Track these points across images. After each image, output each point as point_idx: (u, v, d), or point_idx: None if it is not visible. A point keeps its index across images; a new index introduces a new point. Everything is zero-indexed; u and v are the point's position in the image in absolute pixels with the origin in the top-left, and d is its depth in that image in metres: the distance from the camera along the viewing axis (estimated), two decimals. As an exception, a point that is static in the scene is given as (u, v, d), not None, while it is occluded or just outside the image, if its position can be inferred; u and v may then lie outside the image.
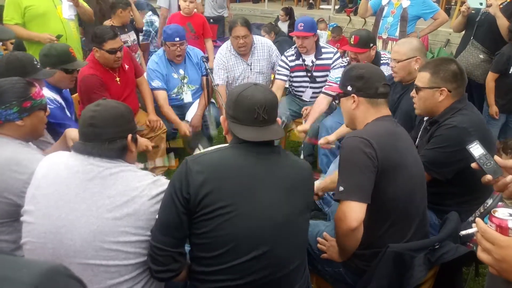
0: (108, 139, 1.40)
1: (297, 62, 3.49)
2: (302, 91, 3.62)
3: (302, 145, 3.47)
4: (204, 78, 3.37)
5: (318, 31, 4.13)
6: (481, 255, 0.94)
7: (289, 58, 3.51)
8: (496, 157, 1.31)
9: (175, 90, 3.56)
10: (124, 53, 3.18)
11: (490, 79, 3.41)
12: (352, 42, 2.99)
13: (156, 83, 3.46)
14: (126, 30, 4.22)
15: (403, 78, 2.54)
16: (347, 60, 3.26)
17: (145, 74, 3.58)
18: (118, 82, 3.12)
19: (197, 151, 2.56)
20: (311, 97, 3.60)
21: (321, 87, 3.52)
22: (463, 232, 1.09)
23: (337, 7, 8.90)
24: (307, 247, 1.59)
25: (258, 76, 3.67)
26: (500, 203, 1.96)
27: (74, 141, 1.62)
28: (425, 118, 2.15)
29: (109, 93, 3.02)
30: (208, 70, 3.23)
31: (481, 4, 3.58)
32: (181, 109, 3.62)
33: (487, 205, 1.93)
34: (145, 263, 1.40)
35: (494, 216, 0.96)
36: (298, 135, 3.23)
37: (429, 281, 1.60)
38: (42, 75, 2.19)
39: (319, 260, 1.78)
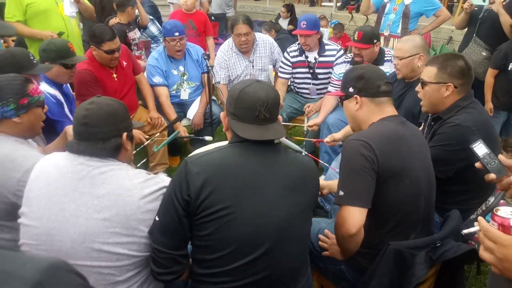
0: (102, 138, 1.36)
1: (300, 58, 3.48)
2: (305, 88, 3.62)
3: (304, 143, 3.47)
4: (205, 75, 3.37)
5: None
6: (483, 254, 0.93)
7: (291, 54, 3.51)
8: (500, 156, 1.30)
9: (175, 86, 3.56)
10: (123, 50, 3.19)
11: (489, 75, 3.41)
12: (356, 38, 2.98)
13: (157, 79, 3.46)
14: (131, 27, 4.25)
15: (406, 75, 2.53)
16: (351, 55, 3.25)
17: (145, 73, 3.58)
18: (115, 79, 3.12)
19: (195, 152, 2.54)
20: (316, 94, 3.59)
21: (323, 83, 3.53)
22: (465, 231, 1.08)
23: (339, 4, 8.88)
24: (309, 245, 1.58)
25: (261, 73, 3.67)
26: (501, 201, 1.96)
27: None
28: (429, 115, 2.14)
29: (106, 89, 3.03)
30: (209, 68, 3.23)
31: (484, 1, 3.56)
32: (182, 106, 3.62)
33: (489, 203, 1.92)
34: (139, 264, 1.37)
35: (497, 215, 0.96)
36: (310, 129, 3.23)
37: (430, 279, 1.60)
38: (38, 70, 2.18)
39: (320, 258, 1.78)
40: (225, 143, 2.69)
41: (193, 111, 3.56)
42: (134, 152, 2.52)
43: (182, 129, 3.39)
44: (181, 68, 3.55)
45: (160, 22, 5.04)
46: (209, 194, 1.27)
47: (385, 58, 3.07)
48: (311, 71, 3.48)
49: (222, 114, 1.47)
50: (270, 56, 3.69)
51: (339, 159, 2.67)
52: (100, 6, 4.54)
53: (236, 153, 1.36)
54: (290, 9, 7.50)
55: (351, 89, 1.71)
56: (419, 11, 3.96)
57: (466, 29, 4.02)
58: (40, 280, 0.69)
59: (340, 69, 3.27)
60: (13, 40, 4.10)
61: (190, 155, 1.47)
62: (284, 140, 2.56)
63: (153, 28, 4.46)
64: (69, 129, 2.02)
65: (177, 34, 3.35)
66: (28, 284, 0.68)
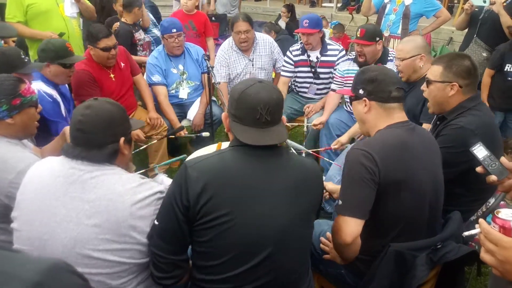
0: (98, 145, 1.32)
1: (301, 57, 3.48)
2: (306, 87, 3.61)
3: (304, 143, 3.47)
4: (205, 75, 3.37)
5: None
6: (484, 256, 0.93)
7: (294, 53, 3.51)
8: (502, 158, 1.30)
9: (174, 85, 3.56)
10: (121, 51, 3.20)
11: (486, 75, 3.42)
12: (358, 35, 2.99)
13: (156, 78, 3.46)
14: (137, 28, 4.27)
15: (409, 76, 2.52)
16: (353, 54, 3.25)
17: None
18: (113, 79, 3.13)
19: (195, 154, 2.54)
20: (316, 94, 3.59)
21: (324, 83, 3.53)
22: (466, 233, 1.08)
23: (339, 5, 8.88)
24: (310, 250, 1.56)
25: (260, 72, 3.67)
26: (502, 203, 1.96)
27: None
28: None
29: (104, 89, 3.03)
30: (210, 68, 3.23)
31: (484, 2, 3.56)
32: (181, 107, 3.62)
33: (489, 204, 1.92)
34: (132, 271, 1.35)
35: (498, 217, 0.96)
36: (315, 127, 3.22)
37: (431, 280, 1.60)
38: (30, 68, 2.17)
39: (321, 261, 1.77)
40: (224, 144, 2.70)
41: (193, 112, 3.56)
42: (134, 152, 2.54)
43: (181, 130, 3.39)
44: (181, 67, 3.55)
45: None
46: (209, 200, 1.25)
47: (389, 58, 3.06)
48: (313, 70, 3.48)
49: (223, 115, 1.43)
50: (270, 55, 3.69)
51: (340, 162, 2.68)
52: (100, 6, 4.54)
53: (237, 157, 1.32)
54: (291, 9, 7.51)
55: (361, 91, 1.66)
56: (419, 12, 3.96)
57: (466, 30, 4.03)
58: (41, 281, 0.68)
59: (344, 66, 3.26)
60: (13, 41, 4.10)
61: (189, 158, 1.45)
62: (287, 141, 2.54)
63: (156, 31, 4.47)
64: (68, 130, 2.00)
65: (174, 30, 3.37)
66: (28, 285, 0.67)
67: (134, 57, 3.67)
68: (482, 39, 3.69)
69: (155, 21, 4.64)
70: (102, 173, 1.32)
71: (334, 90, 3.31)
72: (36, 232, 1.30)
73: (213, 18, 6.50)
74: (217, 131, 3.98)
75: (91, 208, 1.28)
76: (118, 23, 4.10)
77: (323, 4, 9.68)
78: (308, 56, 3.46)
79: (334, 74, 3.36)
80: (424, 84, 2.02)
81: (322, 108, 3.43)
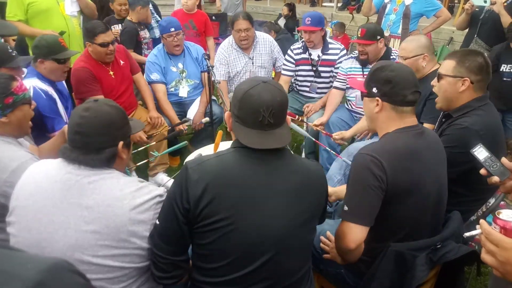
0: (96, 149, 1.29)
1: (303, 55, 3.48)
2: (307, 86, 3.61)
3: (304, 143, 3.47)
4: (205, 74, 3.38)
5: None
6: (485, 257, 0.93)
7: (295, 51, 3.51)
8: (503, 159, 1.30)
9: (173, 83, 3.56)
10: (121, 50, 3.20)
11: None
12: (359, 35, 2.99)
13: (155, 76, 3.47)
14: (142, 27, 4.30)
15: None
16: (356, 53, 3.25)
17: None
18: (112, 76, 3.12)
19: (195, 153, 2.54)
20: (317, 92, 3.59)
21: (325, 82, 3.53)
22: (467, 234, 1.08)
23: (339, 4, 8.89)
24: (311, 253, 1.53)
25: (260, 70, 3.68)
26: (502, 203, 1.96)
27: None
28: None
29: (103, 87, 3.03)
30: (210, 67, 3.23)
31: (485, 1, 3.56)
32: (181, 106, 3.62)
33: (490, 204, 1.92)
34: (133, 275, 1.34)
35: (499, 218, 0.96)
36: (316, 128, 3.22)
37: (431, 280, 1.60)
38: (18, 62, 2.16)
39: (321, 260, 1.77)
40: (224, 143, 2.70)
41: (193, 111, 3.56)
42: (134, 151, 2.53)
43: (180, 127, 3.39)
44: (180, 66, 3.55)
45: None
46: (209, 202, 1.23)
47: (391, 57, 3.07)
48: (314, 68, 3.48)
49: (226, 114, 1.41)
50: (270, 54, 3.70)
51: (340, 160, 2.68)
52: (100, 5, 4.54)
53: (238, 159, 1.30)
54: (291, 8, 7.53)
55: (374, 89, 1.59)
56: (420, 11, 3.97)
57: (467, 30, 4.03)
58: (42, 280, 0.67)
59: (347, 64, 3.26)
60: (13, 40, 4.09)
61: (189, 158, 1.44)
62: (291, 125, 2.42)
63: (157, 31, 4.48)
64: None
65: (172, 29, 3.37)
66: (28, 285, 0.66)
67: (134, 56, 3.68)
68: (482, 39, 3.69)
69: (158, 19, 4.64)
70: (100, 178, 1.30)
71: (337, 88, 3.30)
72: (34, 240, 1.28)
73: (213, 18, 6.49)
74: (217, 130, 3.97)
75: (90, 214, 1.26)
76: (117, 28, 4.13)
77: (324, 4, 9.68)
78: (310, 54, 3.46)
79: (337, 72, 3.36)
80: (435, 79, 2.01)
81: (322, 107, 3.44)
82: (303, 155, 3.54)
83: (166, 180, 3.24)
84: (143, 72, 3.54)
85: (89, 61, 3.00)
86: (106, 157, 1.32)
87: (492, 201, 1.92)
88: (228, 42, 3.63)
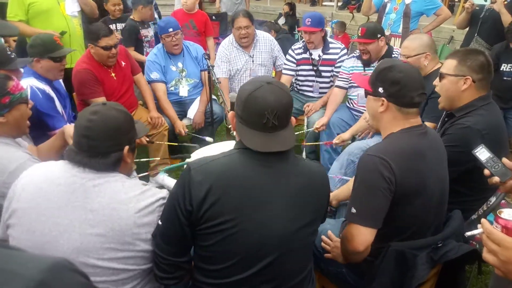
0: (102, 153, 1.29)
1: (304, 55, 3.49)
2: (308, 85, 3.61)
3: (304, 142, 3.47)
4: (205, 74, 3.38)
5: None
6: (487, 256, 0.93)
7: (296, 51, 3.51)
8: (504, 159, 1.30)
9: (173, 82, 3.56)
10: (121, 51, 3.20)
11: None
12: (359, 34, 3.00)
13: (154, 75, 3.47)
14: (145, 26, 4.32)
15: None
16: (358, 52, 3.24)
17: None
18: (114, 77, 3.13)
19: (194, 154, 2.54)
20: (318, 92, 3.59)
21: (326, 82, 3.53)
22: (468, 233, 1.08)
23: (340, 4, 8.88)
24: (313, 255, 1.52)
25: (260, 68, 3.69)
26: (502, 201, 1.96)
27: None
28: None
29: (105, 88, 3.03)
30: (210, 67, 3.24)
31: (485, 0, 3.56)
32: (181, 105, 3.62)
33: (490, 203, 1.92)
34: (137, 277, 1.34)
35: (500, 217, 0.96)
36: (317, 129, 3.22)
37: (431, 279, 1.60)
38: (17, 64, 2.16)
39: (322, 259, 1.76)
40: (225, 143, 2.69)
41: (193, 110, 3.56)
42: (136, 160, 2.52)
43: (181, 127, 3.39)
44: (180, 65, 3.56)
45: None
46: (212, 205, 1.22)
47: (393, 55, 3.06)
48: (315, 68, 3.48)
49: (230, 114, 1.39)
50: (270, 53, 3.71)
51: (341, 160, 2.68)
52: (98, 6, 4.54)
53: (241, 161, 1.29)
54: (292, 7, 7.53)
55: (380, 89, 1.56)
56: (420, 10, 3.97)
57: (467, 29, 4.02)
58: (43, 280, 0.67)
59: (349, 63, 3.26)
60: (14, 40, 4.10)
61: (191, 160, 1.43)
62: None
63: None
64: (68, 128, 1.96)
65: (171, 30, 3.38)
66: (29, 284, 0.66)
67: (134, 56, 3.68)
68: (483, 38, 3.69)
69: (155, 16, 4.65)
70: (105, 181, 1.30)
71: (339, 87, 3.30)
72: (38, 242, 1.28)
73: (213, 17, 6.49)
74: (218, 130, 3.98)
75: (95, 218, 1.26)
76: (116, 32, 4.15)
77: (324, 3, 9.67)
78: (310, 54, 3.46)
79: (339, 71, 3.35)
80: (437, 79, 2.01)
81: (322, 106, 3.44)
82: (304, 154, 3.55)
83: (166, 181, 3.24)
84: (143, 71, 3.55)
85: (91, 62, 3.00)
86: (112, 161, 1.32)
87: (493, 200, 1.92)
88: (229, 40, 3.65)
